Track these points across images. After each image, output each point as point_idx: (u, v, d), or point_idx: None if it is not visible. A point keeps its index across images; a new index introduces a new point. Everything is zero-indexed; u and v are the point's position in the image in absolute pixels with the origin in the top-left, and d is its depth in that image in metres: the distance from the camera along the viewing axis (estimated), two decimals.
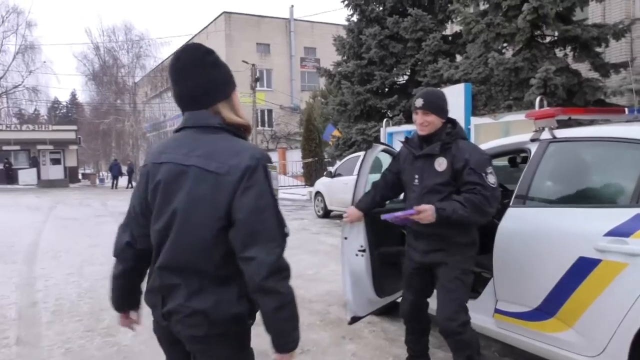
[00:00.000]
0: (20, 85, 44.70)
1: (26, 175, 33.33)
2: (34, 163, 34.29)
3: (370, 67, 15.14)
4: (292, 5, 43.00)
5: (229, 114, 1.63)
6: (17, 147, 33.88)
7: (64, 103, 73.12)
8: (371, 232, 3.52)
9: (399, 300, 3.63)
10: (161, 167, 1.61)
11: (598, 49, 10.98)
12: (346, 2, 15.80)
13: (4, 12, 44.16)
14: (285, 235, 1.54)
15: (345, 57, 16.05)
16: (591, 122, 3.54)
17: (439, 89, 2.97)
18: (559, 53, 11.18)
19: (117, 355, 3.72)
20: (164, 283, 1.61)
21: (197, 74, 1.61)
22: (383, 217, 2.76)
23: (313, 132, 20.51)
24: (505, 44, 11.44)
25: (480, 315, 3.30)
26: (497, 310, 3.21)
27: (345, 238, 3.52)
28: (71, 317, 4.58)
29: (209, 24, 41.21)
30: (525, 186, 3.14)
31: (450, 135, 2.80)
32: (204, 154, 1.54)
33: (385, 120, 12.81)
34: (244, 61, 32.83)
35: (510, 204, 3.18)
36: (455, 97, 10.97)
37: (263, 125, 38.34)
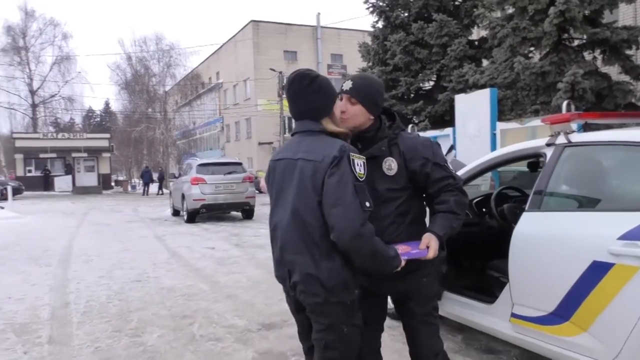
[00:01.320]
0: (56, 94, 46.31)
1: (62, 182, 34.40)
2: (69, 170, 35.37)
3: (396, 73, 15.18)
4: (319, 13, 43.50)
5: (329, 125, 2.09)
6: (54, 155, 35.03)
7: (98, 112, 75.14)
8: None
9: None
10: (278, 163, 2.14)
11: (629, 52, 10.77)
12: (371, 9, 15.91)
13: (42, 25, 46.01)
14: (365, 208, 1.92)
15: (370, 64, 16.12)
16: (608, 127, 3.53)
17: (376, 78, 2.40)
18: (588, 56, 11.01)
19: (143, 354, 3.85)
20: (285, 259, 2.07)
21: (304, 100, 2.10)
22: (402, 257, 2.10)
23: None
24: (531, 48, 11.34)
25: (497, 319, 3.32)
26: (513, 315, 3.21)
27: None
28: (100, 318, 4.75)
29: (237, 33, 41.87)
30: (540, 191, 3.15)
31: (393, 129, 2.28)
32: (307, 150, 2.03)
33: (410, 126, 12.80)
34: (271, 69, 33.31)
35: (526, 208, 3.20)
36: (481, 103, 10.92)
37: (290, 131, 38.59)
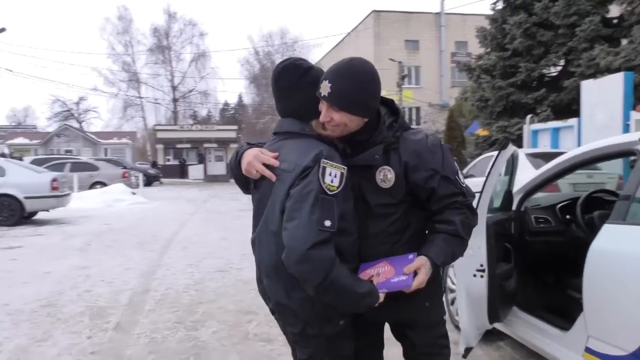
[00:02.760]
0: (193, 89, 50.20)
1: (195, 171, 37.26)
2: (202, 159, 38.14)
3: (515, 59, 13.96)
4: None
5: (317, 128, 1.76)
6: (188, 145, 38.06)
7: (232, 105, 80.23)
8: (492, 247, 2.88)
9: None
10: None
11: None
12: None
13: (182, 25, 50.08)
14: (323, 227, 1.55)
15: (488, 49, 14.99)
16: None
17: (362, 67, 1.73)
18: None
19: (192, 349, 3.83)
20: (262, 280, 1.84)
21: (294, 95, 1.78)
22: (380, 288, 1.69)
23: (455, 130, 19.55)
24: None
25: (570, 352, 2.77)
26: (587, 349, 2.62)
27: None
28: (170, 308, 4.86)
29: (358, 24, 41.79)
30: (627, 197, 2.51)
31: (393, 130, 1.79)
32: (282, 158, 1.73)
33: (529, 116, 11.70)
34: (390, 59, 32.72)
35: (608, 219, 2.58)
36: (613, 89, 9.58)
37: (411, 123, 37.76)
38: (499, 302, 2.96)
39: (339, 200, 1.61)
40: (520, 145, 12.93)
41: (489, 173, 2.84)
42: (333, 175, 1.61)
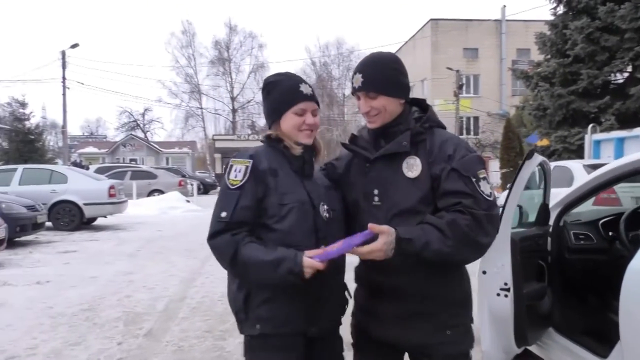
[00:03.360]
0: (251, 100, 51.31)
1: None
2: None
3: (576, 65, 13.27)
4: (504, 6, 40.35)
5: (270, 131, 1.86)
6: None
7: None
8: (518, 265, 2.65)
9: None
10: None
11: None
12: None
13: (242, 37, 51.45)
14: (219, 219, 1.69)
15: (548, 56, 14.35)
16: None
17: (386, 54, 1.84)
18: None
19: (216, 359, 3.80)
20: None
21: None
22: (316, 257, 1.59)
23: (513, 139, 18.82)
24: None
25: None
26: None
27: (484, 272, 2.71)
28: (202, 316, 4.89)
29: (415, 33, 41.35)
30: None
31: (421, 122, 1.78)
32: None
33: (591, 125, 11.07)
34: (448, 68, 32.09)
35: None
36: None
37: (468, 133, 36.83)
38: (528, 323, 2.73)
39: (245, 191, 1.70)
40: (581, 156, 12.23)
41: (512, 186, 2.63)
42: (237, 170, 1.73)
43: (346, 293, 1.90)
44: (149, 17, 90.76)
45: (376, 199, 1.76)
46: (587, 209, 3.95)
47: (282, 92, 1.80)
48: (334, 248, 1.60)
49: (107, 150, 47.20)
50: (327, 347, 1.84)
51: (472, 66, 37.52)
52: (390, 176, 1.75)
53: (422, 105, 1.86)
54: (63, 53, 28.69)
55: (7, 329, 4.48)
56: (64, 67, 28.74)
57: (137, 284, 6.24)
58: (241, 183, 1.70)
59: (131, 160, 42.39)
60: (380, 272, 1.73)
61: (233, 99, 51.58)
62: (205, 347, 4.07)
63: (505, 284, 2.59)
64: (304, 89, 1.80)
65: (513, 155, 19.12)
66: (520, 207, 3.17)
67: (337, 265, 1.73)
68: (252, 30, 50.47)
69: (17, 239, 9.49)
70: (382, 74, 1.75)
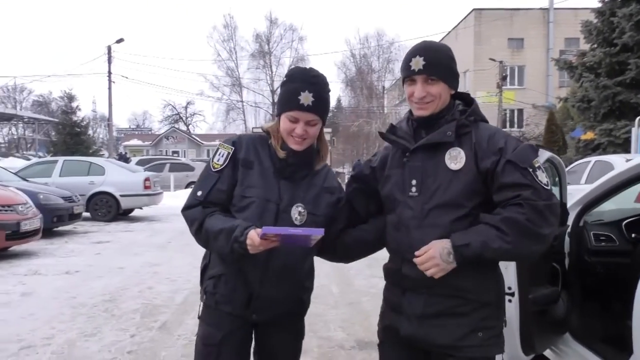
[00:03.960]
0: None
1: None
2: None
3: (624, 55, 12.61)
4: None
5: (266, 125, 1.92)
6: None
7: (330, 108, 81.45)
8: (523, 268, 2.50)
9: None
10: None
11: None
12: None
13: (282, 30, 51.64)
14: (196, 197, 1.81)
15: (594, 45, 13.67)
16: None
17: (439, 42, 1.83)
18: None
19: None
20: None
21: None
22: (264, 230, 1.59)
23: (556, 133, 18.10)
24: None
25: None
26: None
27: None
28: None
29: (458, 23, 40.42)
30: None
31: (466, 114, 1.71)
32: None
33: (638, 118, 10.50)
34: (491, 59, 31.20)
35: None
36: None
37: (511, 126, 35.78)
38: (535, 330, 2.55)
39: (223, 175, 1.80)
40: (627, 150, 11.61)
41: None
42: (220, 154, 1.83)
43: (304, 295, 1.94)
44: (192, 11, 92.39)
45: (414, 189, 1.71)
46: (621, 206, 3.69)
47: (285, 93, 1.81)
48: (289, 230, 1.63)
49: (150, 142, 48.46)
50: (274, 332, 1.91)
51: (517, 57, 36.39)
52: (431, 167, 1.69)
53: (466, 99, 1.81)
54: (109, 48, 29.57)
55: (29, 318, 4.60)
56: (109, 61, 29.64)
57: (161, 276, 6.32)
58: (221, 167, 1.81)
59: (173, 152, 43.38)
60: (412, 266, 1.66)
61: (273, 91, 51.83)
62: None
63: (509, 288, 2.41)
64: (303, 98, 1.74)
65: (556, 149, 18.39)
66: None
67: (285, 262, 1.78)
68: (292, 22, 50.68)
69: (54, 229, 9.81)
70: (444, 60, 1.72)
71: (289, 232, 1.60)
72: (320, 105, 1.77)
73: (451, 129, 1.66)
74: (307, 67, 1.96)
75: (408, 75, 1.71)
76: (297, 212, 1.80)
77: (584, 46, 32.72)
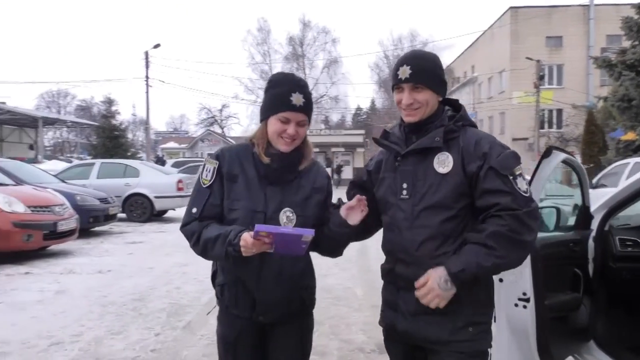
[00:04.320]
0: (324, 95, 51.61)
1: None
2: (329, 163, 38.94)
3: None
4: None
5: (249, 135, 1.97)
6: (317, 150, 39.13)
7: (364, 109, 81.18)
8: (539, 273, 2.42)
9: None
10: None
11: None
12: None
13: (315, 33, 51.81)
14: (191, 214, 1.85)
15: (635, 42, 13.19)
16: None
17: (427, 51, 1.94)
18: None
19: None
20: None
21: None
22: (256, 227, 1.60)
23: (596, 134, 17.53)
24: None
25: None
26: None
27: (500, 280, 2.47)
28: None
29: (494, 22, 39.68)
30: None
31: (454, 120, 1.80)
32: None
33: None
34: (527, 58, 30.47)
35: None
36: None
37: (550, 126, 34.87)
38: (552, 337, 2.46)
39: (213, 190, 1.85)
40: None
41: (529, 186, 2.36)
42: (207, 170, 1.87)
43: (304, 294, 1.98)
44: (227, 16, 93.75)
45: (404, 192, 1.80)
46: None
47: (274, 96, 1.85)
48: (280, 229, 1.66)
49: (186, 145, 49.41)
50: (283, 331, 1.95)
51: (556, 55, 35.44)
52: (421, 171, 1.78)
53: (454, 105, 1.89)
54: (146, 53, 30.33)
55: (60, 316, 4.75)
56: (147, 66, 30.39)
57: (189, 276, 6.42)
58: (210, 183, 1.85)
59: (208, 154, 43.92)
60: (405, 266, 1.79)
61: None
62: None
63: (524, 293, 2.36)
64: (295, 99, 1.80)
65: (596, 150, 17.85)
66: (557, 209, 2.90)
67: (278, 267, 1.82)
68: (325, 25, 50.70)
69: (91, 229, 10.11)
70: (430, 68, 1.80)
71: (280, 231, 1.62)
72: (309, 106, 1.84)
73: (439, 134, 1.75)
74: (289, 72, 2.05)
75: (396, 83, 1.81)
76: (285, 217, 1.83)
77: (626, 43, 31.73)
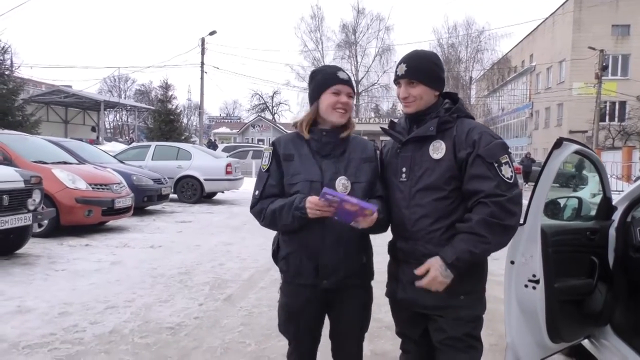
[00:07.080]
0: (375, 83, 51.26)
1: None
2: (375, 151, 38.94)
3: None
4: None
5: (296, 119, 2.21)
6: (365, 137, 39.00)
7: None
8: (549, 257, 2.53)
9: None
10: None
11: None
12: None
13: (369, 20, 51.39)
14: (255, 195, 2.14)
15: None
16: None
17: (429, 51, 2.16)
18: None
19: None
20: None
21: None
22: (324, 189, 1.85)
23: None
24: None
25: None
26: None
27: (512, 262, 2.57)
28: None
29: (556, 10, 38.17)
30: None
31: (450, 112, 2.04)
32: None
33: None
34: (590, 47, 29.22)
35: None
36: None
37: (611, 119, 33.39)
38: (562, 319, 2.57)
39: (271, 172, 2.12)
40: None
41: (539, 177, 2.47)
42: (265, 156, 2.16)
43: (364, 256, 2.15)
44: (281, 3, 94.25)
45: (403, 176, 2.07)
46: None
47: (323, 76, 2.10)
48: (345, 196, 1.86)
49: (238, 130, 50.46)
50: (345, 298, 2.13)
51: (622, 45, 33.81)
52: (418, 157, 2.04)
53: (453, 98, 2.12)
54: (202, 40, 31.16)
55: (115, 283, 5.19)
56: (202, 53, 31.25)
57: (232, 254, 6.78)
58: (268, 166, 2.13)
59: (259, 140, 44.93)
60: (404, 240, 2.07)
61: (357, 82, 51.90)
62: (273, 315, 4.28)
63: (534, 275, 2.47)
64: (341, 74, 2.09)
65: None
66: (579, 199, 2.98)
67: (338, 232, 2.01)
68: (379, 12, 50.07)
69: (145, 208, 10.71)
70: (423, 66, 2.04)
71: (345, 198, 1.83)
72: (352, 82, 2.14)
73: (433, 124, 2.00)
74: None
75: (395, 79, 2.10)
76: (340, 184, 2.04)
77: None
